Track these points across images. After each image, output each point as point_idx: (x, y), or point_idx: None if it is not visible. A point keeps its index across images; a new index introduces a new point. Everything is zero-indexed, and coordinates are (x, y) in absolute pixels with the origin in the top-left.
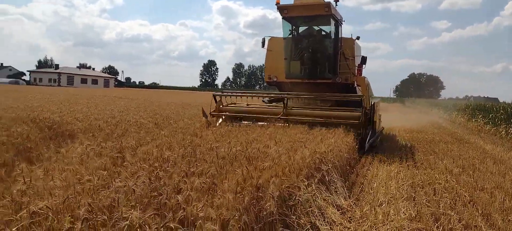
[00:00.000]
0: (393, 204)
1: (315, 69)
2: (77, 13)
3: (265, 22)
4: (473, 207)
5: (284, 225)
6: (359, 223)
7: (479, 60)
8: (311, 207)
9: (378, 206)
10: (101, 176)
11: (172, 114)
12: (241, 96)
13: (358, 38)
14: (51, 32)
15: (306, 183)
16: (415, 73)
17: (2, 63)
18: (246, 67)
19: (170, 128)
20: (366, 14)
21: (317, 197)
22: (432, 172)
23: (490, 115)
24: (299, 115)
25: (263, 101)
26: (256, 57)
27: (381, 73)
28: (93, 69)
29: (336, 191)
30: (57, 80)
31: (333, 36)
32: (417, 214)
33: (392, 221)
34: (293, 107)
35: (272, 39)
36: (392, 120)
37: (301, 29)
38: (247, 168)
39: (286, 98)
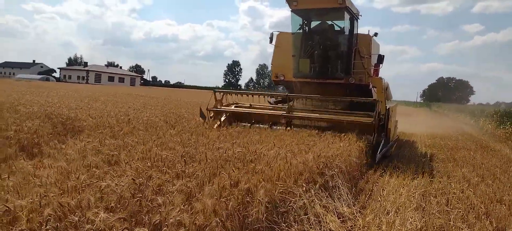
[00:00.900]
0: (400, 213)
1: (326, 68)
2: (108, 13)
3: (290, 23)
4: (487, 220)
5: None
6: None
7: None
8: (306, 215)
9: (384, 215)
10: (90, 174)
11: (186, 114)
12: (245, 94)
13: (375, 35)
14: (82, 30)
15: (304, 188)
16: (444, 77)
17: (34, 60)
18: (270, 68)
19: (180, 126)
20: (395, 16)
21: (316, 203)
22: (448, 181)
23: None
24: (303, 118)
25: (268, 102)
26: None
27: (408, 77)
28: (121, 67)
29: (340, 198)
30: (85, 77)
31: (347, 32)
32: (424, 225)
33: None
34: (298, 109)
35: (280, 34)
36: (416, 125)
37: (313, 24)
38: (235, 171)
39: (289, 99)
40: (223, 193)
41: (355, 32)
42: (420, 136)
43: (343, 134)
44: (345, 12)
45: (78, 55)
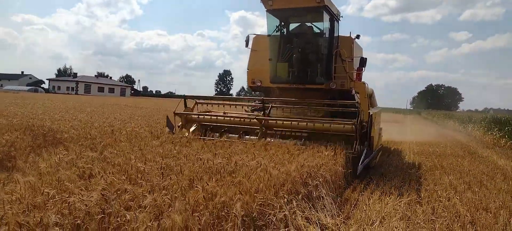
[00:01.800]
0: (386, 223)
1: (305, 73)
2: (99, 24)
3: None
4: (472, 229)
5: None
6: None
7: (501, 72)
8: (287, 227)
9: (369, 225)
10: (60, 189)
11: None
12: (220, 104)
13: (357, 37)
14: (72, 41)
15: (285, 200)
16: (433, 84)
17: (22, 71)
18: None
19: (165, 137)
20: (384, 25)
21: (297, 215)
22: (434, 188)
23: (506, 128)
24: (279, 127)
25: (245, 110)
26: None
27: (399, 85)
28: (111, 78)
29: (324, 208)
30: (74, 88)
31: (327, 34)
32: None
33: None
34: (275, 118)
35: (257, 37)
36: (405, 132)
37: (292, 27)
38: (209, 184)
39: (265, 106)
40: (197, 207)
41: (336, 34)
42: (408, 144)
43: (328, 143)
44: (324, 13)
45: (68, 66)
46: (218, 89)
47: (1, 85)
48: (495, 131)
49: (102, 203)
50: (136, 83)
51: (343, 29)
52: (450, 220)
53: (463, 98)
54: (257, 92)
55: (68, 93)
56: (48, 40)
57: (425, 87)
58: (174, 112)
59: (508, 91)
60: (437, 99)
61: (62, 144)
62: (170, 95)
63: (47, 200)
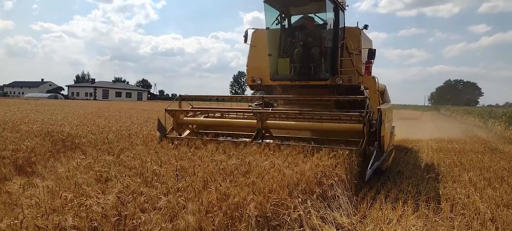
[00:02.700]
0: (403, 221)
1: (308, 69)
2: (115, 29)
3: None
4: (493, 226)
5: None
6: None
7: None
8: (302, 227)
9: (385, 224)
10: (78, 193)
11: None
12: (215, 110)
13: (365, 27)
14: (89, 47)
15: (299, 200)
16: (452, 80)
17: (42, 79)
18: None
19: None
20: (400, 20)
21: (312, 214)
22: (453, 185)
23: None
24: (279, 129)
25: (249, 105)
26: None
27: (416, 80)
28: (127, 83)
29: (340, 208)
30: (93, 94)
31: (331, 25)
32: None
33: None
34: (276, 118)
35: (257, 32)
36: (423, 129)
37: (294, 19)
38: (222, 185)
39: (266, 104)
40: (211, 208)
41: (341, 25)
42: (427, 141)
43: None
44: (327, 1)
45: (86, 72)
46: (233, 91)
47: (23, 93)
48: None
49: (118, 205)
50: (153, 87)
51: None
52: (469, 218)
53: (483, 93)
54: (258, 92)
55: (86, 99)
56: (66, 47)
57: (444, 83)
58: (165, 109)
59: None
60: (456, 94)
61: (80, 149)
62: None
63: (65, 204)
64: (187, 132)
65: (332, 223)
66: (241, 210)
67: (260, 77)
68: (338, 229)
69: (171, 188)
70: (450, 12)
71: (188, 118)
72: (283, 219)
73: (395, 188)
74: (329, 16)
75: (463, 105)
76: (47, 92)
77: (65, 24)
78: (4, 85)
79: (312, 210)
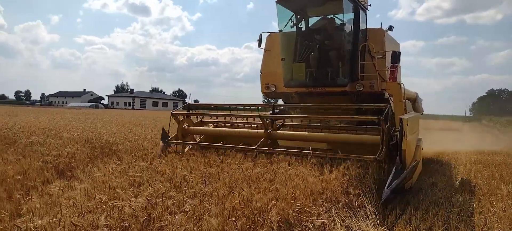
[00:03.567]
0: None
1: (324, 74)
2: (152, 41)
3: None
4: None
5: None
6: None
7: None
8: None
9: None
10: (111, 196)
11: None
12: (225, 115)
13: (390, 28)
14: (129, 59)
15: (324, 208)
16: (495, 89)
17: (84, 89)
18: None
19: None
20: (439, 28)
21: (337, 223)
22: (489, 198)
23: None
24: (289, 139)
25: (260, 117)
26: None
27: (456, 90)
28: (164, 93)
29: (367, 218)
30: (131, 103)
31: (350, 27)
32: None
33: None
34: (287, 127)
35: (271, 36)
36: (462, 140)
37: (313, 21)
38: (245, 190)
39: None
40: (233, 212)
41: (362, 27)
42: (465, 153)
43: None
44: (345, 1)
45: (125, 83)
46: (266, 100)
47: (66, 102)
48: None
49: (147, 207)
50: (188, 97)
51: (394, 35)
52: None
53: None
54: (272, 100)
55: (125, 108)
56: (107, 58)
57: (486, 92)
58: (171, 113)
59: None
60: (499, 105)
61: (117, 155)
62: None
63: (99, 205)
64: (190, 146)
65: None
66: (264, 216)
67: (274, 84)
68: None
69: (198, 193)
70: (493, 19)
71: (192, 127)
72: (305, 226)
73: (426, 200)
74: (348, 16)
75: (508, 116)
76: (88, 101)
77: (106, 36)
78: (50, 95)
79: (336, 219)
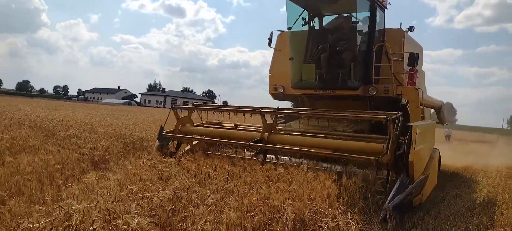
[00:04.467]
0: None
1: (335, 76)
2: (186, 42)
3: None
4: None
5: None
6: None
7: None
8: None
9: None
10: (141, 187)
11: None
12: (222, 111)
13: (411, 29)
14: (162, 59)
15: (340, 211)
16: None
17: (119, 86)
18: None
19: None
20: (479, 36)
21: (352, 226)
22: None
23: None
24: (286, 144)
25: (261, 112)
26: None
27: (494, 101)
28: (194, 93)
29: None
30: (162, 102)
31: (366, 26)
32: None
33: None
34: (289, 131)
35: (282, 35)
36: (496, 154)
37: (326, 20)
38: (263, 188)
39: (270, 115)
40: (251, 208)
41: (380, 26)
42: (497, 167)
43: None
44: None
45: (157, 82)
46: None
47: (101, 99)
48: None
49: (173, 199)
50: (217, 97)
51: (430, 42)
52: None
53: None
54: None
55: (156, 107)
56: (141, 57)
57: None
58: (172, 106)
59: None
60: None
61: (147, 150)
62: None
63: (131, 194)
64: (195, 142)
65: None
66: (280, 213)
67: (282, 85)
68: None
69: (220, 189)
70: None
71: (192, 127)
72: (320, 226)
73: (447, 210)
74: (364, 15)
75: None
76: (122, 99)
77: (142, 36)
78: (86, 91)
79: (352, 222)
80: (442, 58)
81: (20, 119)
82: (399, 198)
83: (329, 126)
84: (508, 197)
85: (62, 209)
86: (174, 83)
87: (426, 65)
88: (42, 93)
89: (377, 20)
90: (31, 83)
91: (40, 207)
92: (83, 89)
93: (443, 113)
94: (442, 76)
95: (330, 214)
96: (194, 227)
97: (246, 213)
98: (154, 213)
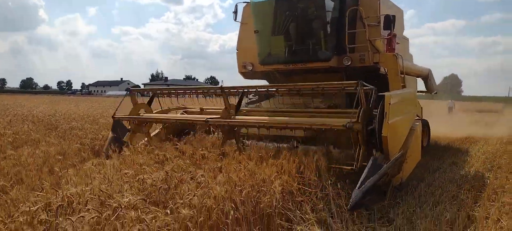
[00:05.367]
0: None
1: (305, 47)
2: (185, 29)
3: None
4: None
5: (286, 219)
6: None
7: None
8: (328, 205)
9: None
10: (137, 171)
11: None
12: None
13: None
14: (163, 48)
15: (330, 182)
16: None
17: (121, 78)
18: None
19: None
20: (481, 5)
21: (342, 195)
22: (509, 176)
23: None
24: (252, 125)
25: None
26: None
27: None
28: (197, 80)
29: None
30: None
31: None
32: None
33: None
34: (256, 111)
35: (248, 6)
36: (501, 123)
37: None
38: (250, 163)
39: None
40: (239, 183)
41: None
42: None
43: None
44: None
45: (159, 71)
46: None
47: (104, 91)
48: None
49: (167, 179)
50: (220, 83)
51: (430, 15)
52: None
53: None
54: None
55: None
56: (142, 48)
57: None
58: (128, 89)
59: None
60: None
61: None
62: None
63: (126, 178)
64: (157, 130)
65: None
66: (268, 186)
67: (251, 62)
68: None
69: (213, 168)
70: None
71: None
72: (309, 197)
73: (443, 177)
74: None
75: None
76: (125, 90)
77: (141, 27)
78: (89, 85)
79: (342, 192)
80: (445, 30)
81: (23, 114)
82: (372, 181)
83: (303, 103)
84: (504, 162)
85: (58, 193)
86: (176, 72)
87: (430, 38)
88: (46, 89)
89: None
90: (35, 81)
91: (39, 193)
92: (86, 83)
93: (431, 81)
94: (445, 48)
95: (319, 185)
96: (181, 201)
97: (234, 187)
98: (147, 192)
